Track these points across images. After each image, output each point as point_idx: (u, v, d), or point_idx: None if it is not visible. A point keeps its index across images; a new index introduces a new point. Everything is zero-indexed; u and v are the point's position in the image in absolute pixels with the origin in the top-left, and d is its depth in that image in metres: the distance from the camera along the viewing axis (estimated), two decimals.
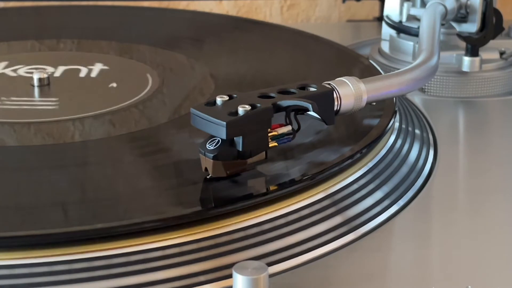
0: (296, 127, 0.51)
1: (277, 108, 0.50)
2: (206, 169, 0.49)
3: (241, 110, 0.48)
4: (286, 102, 0.50)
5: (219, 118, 0.48)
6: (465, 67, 0.74)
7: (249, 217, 0.48)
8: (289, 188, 0.50)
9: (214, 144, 0.49)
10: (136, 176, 0.52)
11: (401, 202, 0.55)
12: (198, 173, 0.50)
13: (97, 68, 0.72)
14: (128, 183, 0.51)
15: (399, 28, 0.79)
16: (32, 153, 0.56)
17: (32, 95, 0.66)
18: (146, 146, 0.57)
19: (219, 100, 0.50)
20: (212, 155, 0.48)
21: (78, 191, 0.51)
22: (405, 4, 0.78)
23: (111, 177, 0.52)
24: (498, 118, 0.73)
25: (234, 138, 0.48)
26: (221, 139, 0.48)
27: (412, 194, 0.56)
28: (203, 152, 0.49)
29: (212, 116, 0.48)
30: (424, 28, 0.68)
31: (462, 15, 0.75)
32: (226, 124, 0.47)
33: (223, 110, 0.49)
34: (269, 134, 0.50)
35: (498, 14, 0.74)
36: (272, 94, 0.51)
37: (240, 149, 0.49)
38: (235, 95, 0.50)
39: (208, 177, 0.49)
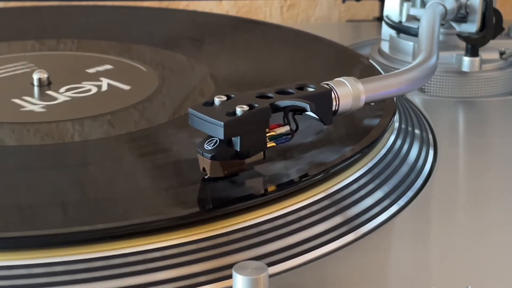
0: (294, 127, 0.51)
1: (275, 108, 0.50)
2: (204, 169, 0.49)
3: (239, 110, 0.48)
4: (284, 102, 0.50)
5: (217, 118, 0.48)
6: (465, 67, 0.74)
7: (249, 217, 0.48)
8: (289, 188, 0.50)
9: (212, 144, 0.49)
10: (136, 176, 0.52)
11: (401, 202, 0.55)
12: (197, 173, 0.49)
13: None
14: (128, 184, 0.51)
15: (399, 28, 0.79)
16: (32, 153, 0.55)
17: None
18: (145, 147, 0.57)
19: (217, 100, 0.50)
20: (210, 155, 0.48)
21: (78, 191, 0.51)
22: (405, 4, 0.78)
23: (110, 178, 0.52)
24: (498, 118, 0.72)
25: (232, 138, 0.48)
26: (219, 139, 0.48)
27: (412, 194, 0.56)
28: (201, 152, 0.49)
29: (210, 116, 0.48)
30: (424, 28, 0.68)
31: (462, 15, 0.74)
32: (224, 124, 0.47)
33: (221, 110, 0.49)
34: (267, 134, 0.50)
35: (498, 14, 0.74)
36: (270, 94, 0.51)
37: (238, 149, 0.49)
38: (233, 95, 0.50)
39: (206, 177, 0.49)
